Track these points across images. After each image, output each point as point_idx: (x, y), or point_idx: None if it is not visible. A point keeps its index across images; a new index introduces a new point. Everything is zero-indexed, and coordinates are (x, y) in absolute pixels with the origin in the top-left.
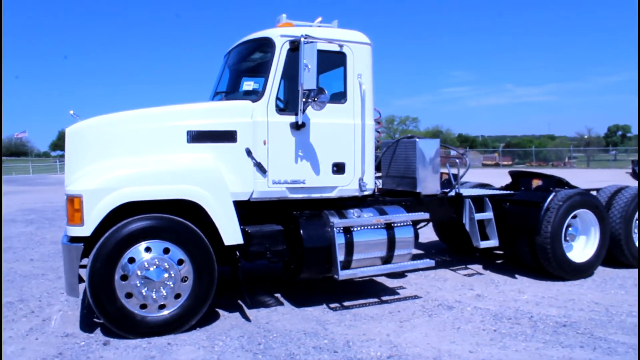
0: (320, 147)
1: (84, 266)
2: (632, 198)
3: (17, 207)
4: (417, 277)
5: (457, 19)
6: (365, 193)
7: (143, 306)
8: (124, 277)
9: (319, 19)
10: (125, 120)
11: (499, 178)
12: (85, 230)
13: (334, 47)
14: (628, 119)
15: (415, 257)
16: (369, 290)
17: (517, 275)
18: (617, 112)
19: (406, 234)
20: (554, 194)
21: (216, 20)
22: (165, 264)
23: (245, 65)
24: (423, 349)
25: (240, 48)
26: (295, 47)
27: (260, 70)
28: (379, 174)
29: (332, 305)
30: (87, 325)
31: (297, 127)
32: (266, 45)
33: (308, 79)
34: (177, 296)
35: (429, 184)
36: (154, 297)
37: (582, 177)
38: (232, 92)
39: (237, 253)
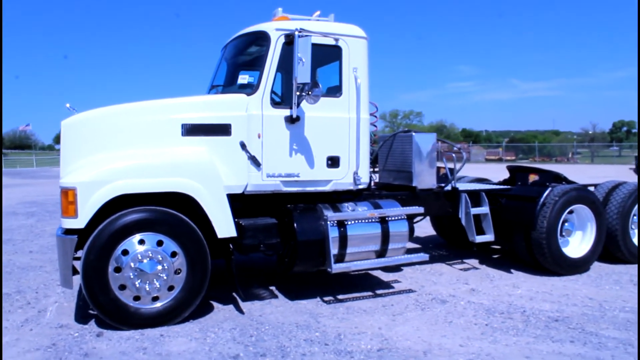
0: (315, 140)
1: (79, 258)
2: (630, 194)
3: (19, 200)
4: (413, 271)
5: (463, 13)
6: (360, 187)
7: (136, 298)
8: (118, 269)
9: (317, 12)
10: (119, 113)
11: (502, 173)
12: (79, 223)
13: (330, 41)
14: (634, 114)
15: (411, 251)
16: (364, 283)
17: (512, 270)
18: (622, 108)
19: (400, 228)
20: (550, 189)
21: (216, 15)
22: (159, 256)
23: (242, 59)
24: (413, 342)
25: (237, 42)
26: (290, 40)
27: (256, 64)
28: (376, 169)
29: (326, 299)
30: (81, 316)
31: (291, 120)
32: (262, 39)
33: (302, 73)
34: (171, 288)
35: (425, 178)
36: (147, 289)
37: (585, 173)
38: (228, 85)
39: (231, 246)
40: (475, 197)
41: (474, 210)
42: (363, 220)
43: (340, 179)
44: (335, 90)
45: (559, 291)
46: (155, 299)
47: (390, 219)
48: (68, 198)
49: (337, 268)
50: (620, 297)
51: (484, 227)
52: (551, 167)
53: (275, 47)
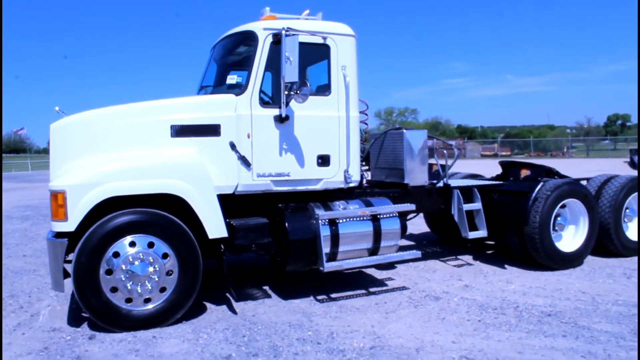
0: (305, 139)
1: (70, 261)
2: (622, 187)
3: (14, 204)
4: (407, 268)
5: (457, 9)
6: (351, 185)
7: (128, 300)
8: (109, 272)
9: (307, 11)
10: (108, 115)
11: (497, 169)
12: (70, 226)
13: (318, 40)
14: (628, 108)
15: (404, 248)
16: (357, 281)
17: (506, 266)
18: (617, 101)
19: (392, 225)
20: (542, 183)
21: (216, 15)
22: (150, 257)
23: (230, 59)
24: (406, 339)
25: (225, 42)
26: (278, 40)
27: (245, 64)
28: (368, 167)
29: (319, 297)
30: (74, 319)
31: (280, 120)
32: (249, 38)
33: (290, 72)
34: (163, 290)
35: (416, 175)
36: (139, 291)
37: (580, 167)
38: (218, 85)
39: (222, 246)
40: (467, 193)
41: (467, 207)
42: (355, 219)
43: (331, 178)
44: (324, 89)
45: (553, 286)
46: (147, 300)
47: (382, 216)
48: (58, 201)
49: (329, 267)
50: (613, 291)
51: (476, 223)
52: (547, 162)
53: (263, 46)
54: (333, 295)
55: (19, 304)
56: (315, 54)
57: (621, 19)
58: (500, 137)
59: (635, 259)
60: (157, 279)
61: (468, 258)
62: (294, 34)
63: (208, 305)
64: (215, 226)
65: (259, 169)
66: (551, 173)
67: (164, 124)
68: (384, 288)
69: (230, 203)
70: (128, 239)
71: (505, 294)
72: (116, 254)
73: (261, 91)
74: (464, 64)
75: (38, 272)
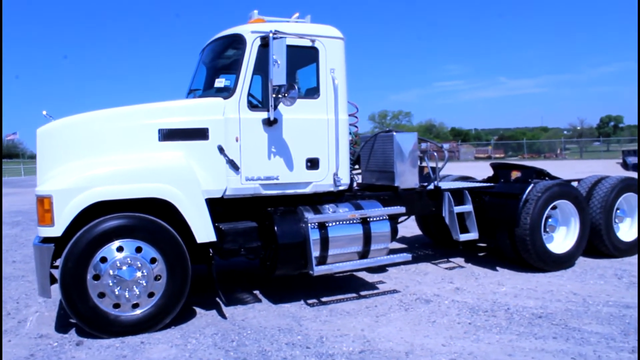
0: (294, 142)
1: (57, 267)
2: (612, 188)
3: (5, 209)
4: (398, 271)
5: (451, 12)
6: (340, 188)
7: (116, 305)
8: (96, 277)
9: (296, 14)
10: (95, 119)
11: (490, 171)
12: (56, 231)
13: (306, 42)
14: (621, 109)
15: (395, 251)
16: (348, 285)
17: (498, 268)
18: (610, 103)
19: (382, 228)
20: (532, 185)
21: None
22: (138, 262)
23: (219, 62)
24: (396, 343)
25: (213, 45)
26: (266, 43)
27: (233, 67)
28: (359, 170)
29: (309, 301)
30: (62, 326)
31: (269, 123)
32: (237, 41)
33: (277, 75)
34: (151, 295)
35: (407, 178)
36: (127, 296)
37: (573, 169)
38: (206, 89)
39: (211, 251)
40: (458, 196)
41: (457, 209)
42: (344, 222)
43: (320, 181)
44: (313, 92)
45: (544, 287)
46: (135, 306)
47: (372, 219)
48: (44, 206)
49: (319, 270)
50: (604, 292)
51: (467, 225)
52: (540, 164)
53: (251, 49)
54: (323, 299)
55: (7, 311)
56: (304, 56)
57: (613, 22)
58: (494, 140)
59: (627, 259)
60: (145, 284)
61: (460, 260)
62: (281, 37)
63: (197, 310)
64: (203, 230)
65: (247, 173)
66: (542, 174)
67: (152, 127)
68: (375, 291)
69: (220, 207)
70: (116, 243)
71: (497, 296)
72: (104, 259)
73: (249, 94)
74: (458, 67)
75: (27, 278)
